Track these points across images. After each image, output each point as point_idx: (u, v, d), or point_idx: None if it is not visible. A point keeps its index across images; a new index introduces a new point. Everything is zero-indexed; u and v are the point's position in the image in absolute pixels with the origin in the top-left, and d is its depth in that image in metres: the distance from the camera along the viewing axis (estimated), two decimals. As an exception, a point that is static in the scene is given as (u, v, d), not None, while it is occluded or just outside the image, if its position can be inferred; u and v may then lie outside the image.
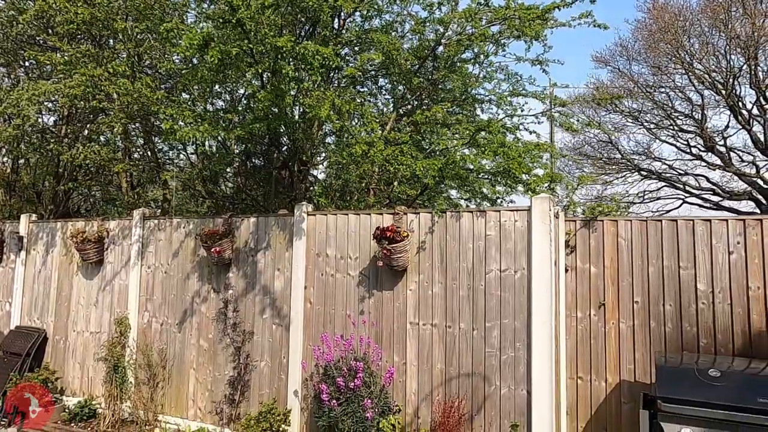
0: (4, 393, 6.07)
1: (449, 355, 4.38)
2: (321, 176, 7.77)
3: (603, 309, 4.23)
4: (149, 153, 7.43)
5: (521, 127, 6.42)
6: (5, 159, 8.24)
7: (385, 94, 7.54)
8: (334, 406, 4.12)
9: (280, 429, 4.70)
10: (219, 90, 6.16)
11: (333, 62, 4.02)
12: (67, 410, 5.98)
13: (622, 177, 17.70)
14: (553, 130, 15.55)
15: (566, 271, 4.33)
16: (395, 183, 6.46)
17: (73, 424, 5.69)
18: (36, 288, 6.81)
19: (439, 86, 6.55)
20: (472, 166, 4.98)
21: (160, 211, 7.74)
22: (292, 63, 4.23)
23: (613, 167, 17.63)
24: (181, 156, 7.82)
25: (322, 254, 5.00)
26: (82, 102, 6.01)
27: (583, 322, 4.28)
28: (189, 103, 5.64)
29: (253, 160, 6.64)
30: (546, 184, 4.96)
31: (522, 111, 6.14)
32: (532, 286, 4.13)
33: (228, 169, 6.72)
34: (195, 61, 5.97)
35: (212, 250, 5.20)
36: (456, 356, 4.35)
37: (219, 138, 4.64)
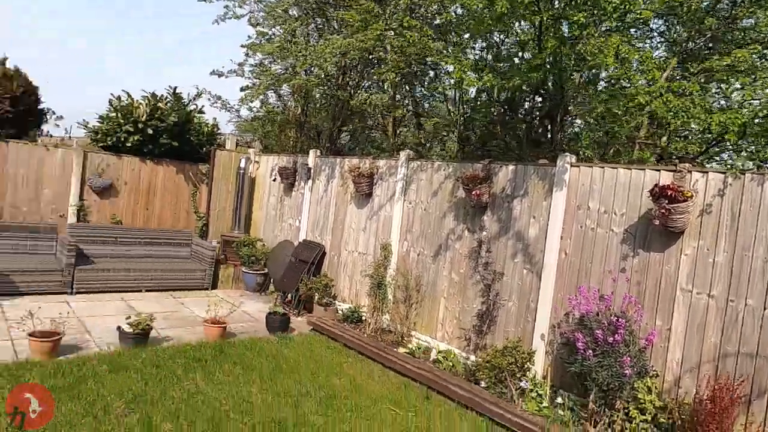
0: (297, 289, 7.77)
1: (727, 331, 4.00)
2: (573, 128, 7.49)
3: None
4: (410, 100, 8.17)
5: None
6: (296, 104, 10.01)
7: (656, 37, 6.75)
8: (589, 356, 4.20)
9: (525, 366, 5.00)
10: (494, 39, 6.31)
11: (631, 5, 3.77)
12: (339, 312, 7.35)
13: None
14: None
15: None
16: (665, 138, 5.87)
17: (346, 324, 6.99)
18: (318, 211, 8.33)
19: (736, 25, 5.57)
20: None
21: (414, 153, 8.55)
22: (580, 11, 4.10)
23: None
24: (436, 104, 8.39)
25: (582, 207, 4.94)
26: (368, 54, 6.87)
27: None
28: (459, 52, 5.97)
29: (510, 109, 6.76)
30: None
31: None
32: None
33: (481, 116, 6.97)
34: (459, 11, 6.25)
35: (472, 192, 5.59)
36: (736, 333, 3.95)
37: (492, 86, 4.85)
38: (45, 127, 8.78)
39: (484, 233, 5.77)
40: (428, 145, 8.41)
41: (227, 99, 9.58)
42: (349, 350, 6.25)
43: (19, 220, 7.87)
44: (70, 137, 9.43)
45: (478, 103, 6.16)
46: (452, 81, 4.86)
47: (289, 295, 7.97)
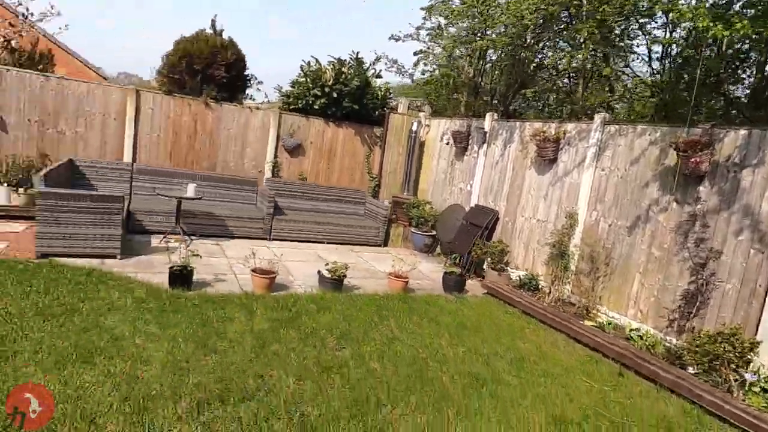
0: (469, 252, 7.83)
1: None
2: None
3: None
4: (598, 60, 7.51)
5: None
6: (470, 66, 9.85)
7: None
8: None
9: (746, 356, 4.45)
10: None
11: None
12: (513, 279, 7.26)
13: None
14: None
15: None
16: None
17: (522, 291, 6.89)
18: (492, 175, 8.21)
19: None
20: None
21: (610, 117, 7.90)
22: None
23: None
24: (630, 62, 7.60)
25: None
26: (563, 9, 6.43)
27: None
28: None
29: (733, 64, 5.84)
30: None
31: None
32: None
33: (700, 74, 6.13)
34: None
35: (690, 160, 5.01)
36: None
37: (745, 35, 4.19)
38: (249, 92, 9.86)
39: (699, 206, 5.16)
40: (614, 108, 7.70)
41: (402, 63, 9.77)
42: (529, 317, 6.16)
43: (228, 174, 9.05)
44: (269, 101, 10.47)
45: (697, 58, 5.40)
46: (648, 38, 4.27)
47: (459, 258, 8.07)
